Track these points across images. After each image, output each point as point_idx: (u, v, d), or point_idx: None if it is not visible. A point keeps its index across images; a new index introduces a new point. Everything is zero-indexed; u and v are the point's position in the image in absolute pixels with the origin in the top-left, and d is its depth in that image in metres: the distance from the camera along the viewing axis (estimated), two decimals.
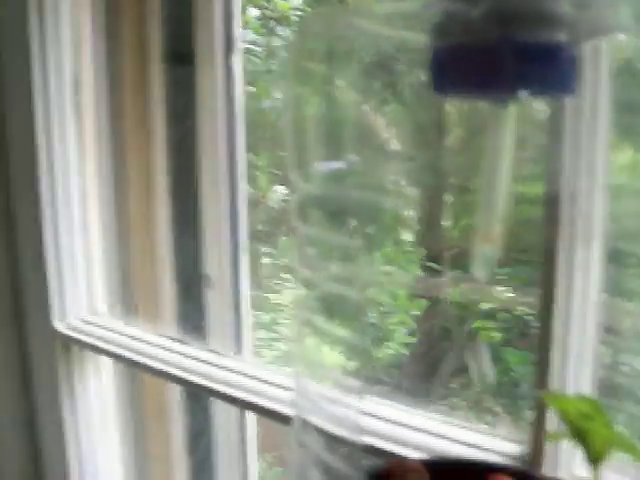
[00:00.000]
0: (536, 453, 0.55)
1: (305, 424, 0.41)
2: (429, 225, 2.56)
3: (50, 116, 0.99)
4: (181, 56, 1.09)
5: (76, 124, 1.02)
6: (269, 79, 2.40)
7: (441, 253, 2.49)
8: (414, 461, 0.46)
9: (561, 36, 0.34)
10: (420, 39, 0.36)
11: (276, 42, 2.46)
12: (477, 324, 2.57)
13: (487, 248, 0.36)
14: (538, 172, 0.49)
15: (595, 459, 0.37)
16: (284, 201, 2.37)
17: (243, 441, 1.13)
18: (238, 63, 1.07)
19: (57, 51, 0.99)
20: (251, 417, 1.16)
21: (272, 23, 2.43)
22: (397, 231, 2.46)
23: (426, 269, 2.28)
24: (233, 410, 1.12)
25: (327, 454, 0.39)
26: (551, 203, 0.50)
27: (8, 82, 1.03)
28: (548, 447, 0.55)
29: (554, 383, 0.53)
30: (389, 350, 2.37)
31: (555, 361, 0.53)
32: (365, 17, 0.36)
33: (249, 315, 1.15)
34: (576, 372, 0.54)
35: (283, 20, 2.40)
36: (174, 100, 1.12)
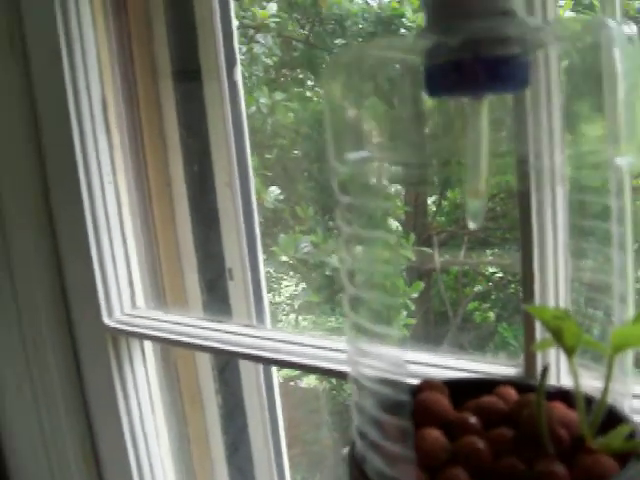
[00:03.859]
0: (529, 366, 0.70)
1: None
2: (416, 212, 2.70)
3: (84, 133, 1.12)
4: (188, 73, 1.23)
5: (107, 139, 1.15)
6: (252, 85, 2.54)
7: (430, 237, 2.64)
8: (436, 380, 0.61)
9: (516, 49, 0.49)
10: (415, 60, 0.51)
11: (257, 49, 2.59)
12: (472, 305, 2.71)
13: (476, 202, 0.50)
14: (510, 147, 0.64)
15: (569, 350, 0.51)
16: (278, 201, 2.49)
17: (273, 418, 1.27)
18: (239, 75, 1.21)
19: (85, 76, 1.13)
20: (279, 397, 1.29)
21: (251, 31, 2.56)
22: (386, 221, 2.59)
23: (417, 253, 2.42)
24: (263, 387, 1.26)
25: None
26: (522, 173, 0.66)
27: (44, 106, 1.17)
28: (539, 360, 0.70)
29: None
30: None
31: (537, 291, 0.68)
32: (375, 47, 0.51)
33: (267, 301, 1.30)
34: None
35: (262, 28, 2.53)
36: (186, 113, 1.25)
